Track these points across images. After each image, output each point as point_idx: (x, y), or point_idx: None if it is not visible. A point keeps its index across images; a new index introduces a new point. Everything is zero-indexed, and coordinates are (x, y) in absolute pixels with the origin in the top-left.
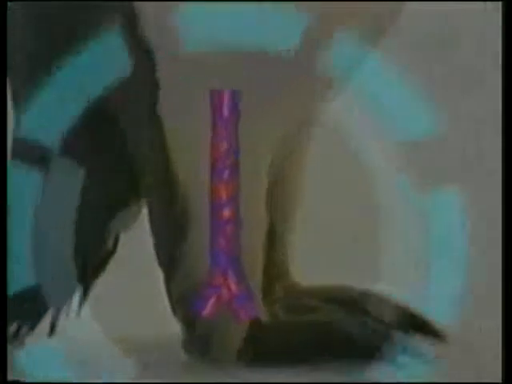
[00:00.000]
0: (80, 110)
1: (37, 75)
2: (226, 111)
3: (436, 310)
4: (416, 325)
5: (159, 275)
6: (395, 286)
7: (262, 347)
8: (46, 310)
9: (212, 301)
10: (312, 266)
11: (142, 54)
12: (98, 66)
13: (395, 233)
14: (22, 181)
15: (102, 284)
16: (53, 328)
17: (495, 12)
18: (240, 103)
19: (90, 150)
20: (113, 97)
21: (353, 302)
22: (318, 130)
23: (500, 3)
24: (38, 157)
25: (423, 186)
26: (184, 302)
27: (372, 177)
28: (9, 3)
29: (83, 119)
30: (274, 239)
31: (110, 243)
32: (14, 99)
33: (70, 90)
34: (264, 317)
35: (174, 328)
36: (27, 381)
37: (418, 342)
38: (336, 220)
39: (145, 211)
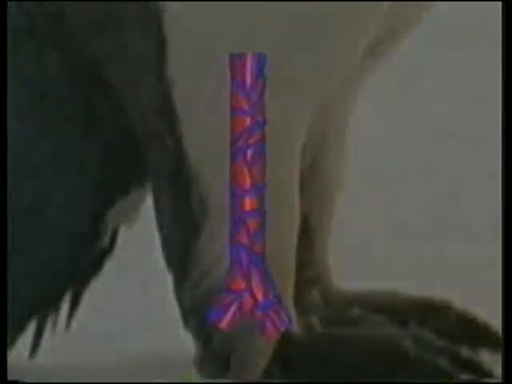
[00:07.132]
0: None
1: None
2: (248, 78)
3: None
4: (482, 338)
5: (168, 278)
6: (457, 292)
7: (294, 367)
8: (26, 323)
9: (232, 310)
10: (356, 268)
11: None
12: None
13: (462, 229)
14: None
15: (97, 289)
16: (35, 346)
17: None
18: (266, 69)
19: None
20: (109, 57)
21: (404, 312)
22: (363, 101)
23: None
24: None
25: None
26: (198, 312)
27: (435, 160)
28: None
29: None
30: (308, 234)
31: (107, 239)
32: None
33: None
34: (296, 330)
35: (185, 343)
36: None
37: (485, 357)
38: (385, 212)
39: (149, 199)
